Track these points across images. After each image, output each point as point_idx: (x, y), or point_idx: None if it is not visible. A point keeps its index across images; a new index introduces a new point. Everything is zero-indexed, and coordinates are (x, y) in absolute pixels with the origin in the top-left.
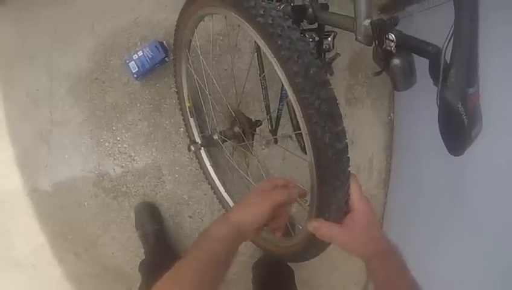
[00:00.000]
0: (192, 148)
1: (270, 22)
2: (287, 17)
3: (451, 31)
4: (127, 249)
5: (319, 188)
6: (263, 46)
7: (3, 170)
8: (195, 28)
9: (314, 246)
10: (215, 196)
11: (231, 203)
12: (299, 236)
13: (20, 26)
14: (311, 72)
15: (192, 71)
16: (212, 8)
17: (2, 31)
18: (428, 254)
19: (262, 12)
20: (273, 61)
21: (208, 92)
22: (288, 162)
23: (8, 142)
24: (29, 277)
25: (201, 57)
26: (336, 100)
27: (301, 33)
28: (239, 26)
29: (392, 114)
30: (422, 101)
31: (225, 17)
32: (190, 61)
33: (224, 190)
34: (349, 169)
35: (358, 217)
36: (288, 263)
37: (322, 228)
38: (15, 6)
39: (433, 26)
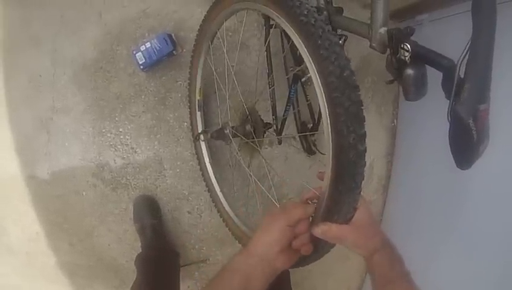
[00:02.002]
0: (202, 137)
1: (313, 22)
2: (327, 21)
3: (468, 46)
4: (124, 242)
5: (333, 189)
6: (300, 44)
7: (1, 155)
8: (225, 21)
9: (318, 251)
10: (209, 194)
11: (224, 203)
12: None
13: (26, 10)
14: (345, 74)
15: (212, 64)
16: (249, 3)
17: (7, 14)
18: (427, 261)
19: (305, 13)
20: (308, 60)
21: (225, 87)
22: (290, 163)
23: (7, 127)
24: (22, 263)
25: (225, 50)
26: (363, 105)
27: None
28: (274, 26)
29: (395, 121)
30: (427, 111)
31: (258, 14)
32: (211, 54)
33: (219, 189)
34: (364, 173)
35: (362, 214)
36: None
37: (331, 230)
38: None
39: (442, 37)
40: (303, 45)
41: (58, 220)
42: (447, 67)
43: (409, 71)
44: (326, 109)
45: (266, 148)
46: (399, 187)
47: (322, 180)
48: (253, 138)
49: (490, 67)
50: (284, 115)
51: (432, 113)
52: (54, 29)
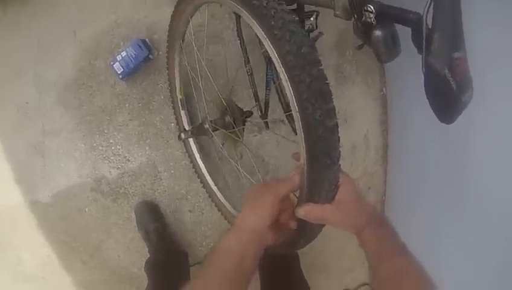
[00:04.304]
0: (183, 136)
1: (265, 4)
2: (280, 1)
3: None
4: (132, 250)
5: (309, 168)
6: (256, 28)
7: (2, 186)
8: (191, 18)
9: (306, 233)
10: (204, 189)
11: (220, 197)
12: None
13: (4, 41)
14: (303, 50)
15: (186, 62)
16: None
17: None
18: (434, 228)
19: None
20: (266, 42)
21: (200, 82)
22: (283, 148)
23: (3, 158)
24: (39, 288)
25: (195, 47)
26: (327, 79)
27: None
28: (231, 14)
29: (384, 89)
30: (414, 71)
31: (220, 6)
32: (184, 52)
33: (213, 184)
34: (340, 149)
35: (345, 192)
36: None
37: (313, 210)
38: None
39: None
40: (259, 28)
41: (66, 240)
42: (414, 21)
43: (377, 33)
44: (290, 88)
45: (256, 135)
46: (398, 155)
47: (298, 161)
48: (234, 128)
49: (458, 12)
50: (265, 99)
51: (419, 73)
52: (33, 56)
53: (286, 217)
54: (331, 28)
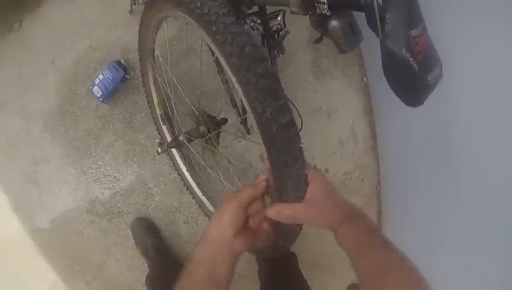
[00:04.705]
0: (159, 149)
1: (206, 11)
2: (223, 6)
3: None
4: (133, 267)
5: (272, 168)
6: (204, 36)
7: (1, 217)
8: (155, 35)
9: (284, 234)
10: (194, 200)
11: (209, 207)
12: (268, 227)
13: None
14: (246, 50)
15: (158, 78)
16: (162, 11)
17: None
18: (432, 213)
19: (199, 5)
20: (213, 47)
21: (172, 96)
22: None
23: (0, 191)
24: None
25: (162, 62)
26: (275, 75)
27: (241, 19)
28: (186, 25)
29: (365, 78)
30: None
31: (175, 19)
32: (155, 69)
33: (201, 194)
34: (300, 145)
35: (315, 189)
36: (291, 249)
37: (283, 210)
38: None
39: None
40: (205, 35)
41: (69, 263)
42: (366, 5)
43: (333, 23)
44: (240, 90)
45: (240, 141)
46: (388, 143)
47: (264, 162)
48: (208, 136)
49: None
50: (242, 104)
51: None
52: (17, 88)
53: (256, 221)
54: (301, 25)
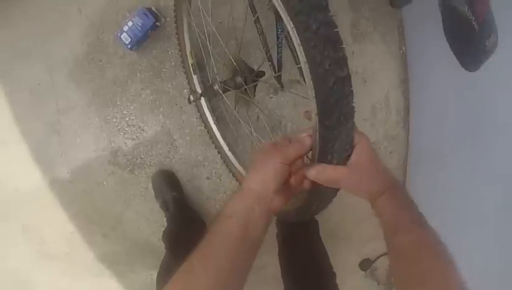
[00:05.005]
0: (192, 98)
1: None
2: None
3: None
4: (152, 221)
5: (320, 125)
6: None
7: (22, 168)
8: None
9: (319, 198)
10: (219, 155)
11: (235, 163)
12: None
13: (11, 25)
14: None
15: (194, 25)
16: None
17: None
18: (458, 194)
19: None
20: None
21: (209, 45)
22: (300, 109)
23: (21, 141)
24: (65, 264)
25: (201, 8)
26: (336, 26)
27: None
28: None
29: (403, 47)
30: (434, 24)
31: None
32: (191, 15)
33: (228, 149)
34: (353, 104)
35: (360, 153)
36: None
37: (326, 171)
38: (2, 11)
39: None
40: None
41: (87, 215)
42: None
43: None
44: (296, 36)
45: (272, 97)
46: (420, 117)
47: (310, 119)
48: (245, 87)
49: None
50: (278, 58)
51: (439, 25)
52: (41, 37)
53: (298, 180)
54: None
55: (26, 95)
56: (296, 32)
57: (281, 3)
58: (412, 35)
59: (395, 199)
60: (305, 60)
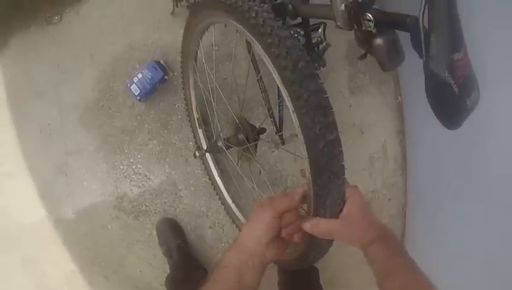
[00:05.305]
0: (197, 153)
1: (261, 22)
2: (278, 18)
3: None
4: (154, 266)
5: (313, 183)
6: (257, 46)
7: (28, 204)
8: (200, 39)
9: (315, 248)
10: (223, 206)
11: (238, 215)
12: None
13: (26, 65)
14: (300, 66)
15: (199, 82)
16: (212, 17)
17: (9, 71)
18: (458, 241)
19: (254, 15)
20: (266, 59)
21: (213, 101)
22: (300, 163)
23: (28, 176)
24: None
25: (206, 66)
26: (325, 93)
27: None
28: (237, 31)
29: (399, 96)
30: None
31: (225, 25)
32: (197, 72)
33: (231, 201)
34: (343, 163)
35: (352, 206)
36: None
37: (319, 225)
38: (18, 47)
39: None
40: (258, 46)
41: (90, 256)
42: (411, 25)
43: (378, 41)
44: (290, 104)
45: (273, 151)
46: (417, 164)
47: (305, 176)
48: (247, 145)
49: (455, 11)
50: (279, 115)
51: None
52: (54, 80)
53: (289, 233)
54: (340, 39)
55: (36, 132)
56: (290, 100)
57: (276, 73)
58: (407, 84)
59: (385, 246)
60: (298, 124)
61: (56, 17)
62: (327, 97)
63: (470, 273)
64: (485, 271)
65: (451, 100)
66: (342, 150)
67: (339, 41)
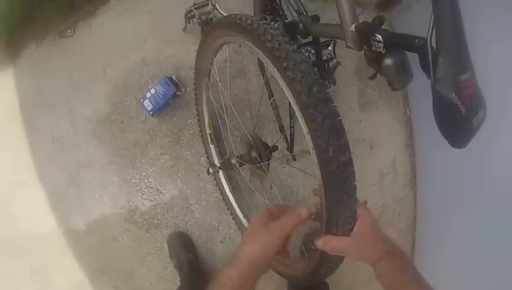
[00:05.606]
0: (211, 170)
1: (277, 46)
2: (292, 42)
3: (432, 18)
4: (164, 279)
5: (326, 202)
6: (271, 68)
7: (39, 214)
8: (214, 57)
9: (326, 264)
10: (234, 221)
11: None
12: (312, 256)
13: (38, 78)
14: (314, 90)
15: (212, 98)
16: (228, 37)
17: (22, 83)
18: (470, 249)
19: (269, 38)
20: (281, 82)
21: (226, 118)
22: (311, 178)
23: (40, 187)
24: None
25: (219, 84)
26: (339, 116)
27: (298, 48)
28: (251, 53)
29: (408, 111)
30: None
31: (239, 46)
32: (210, 89)
33: (243, 216)
34: (355, 183)
35: (362, 224)
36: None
37: (331, 242)
38: (31, 59)
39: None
40: (274, 69)
41: (99, 266)
42: (419, 47)
43: (387, 61)
44: (304, 126)
45: (284, 167)
46: (427, 178)
47: (317, 195)
48: (260, 163)
49: (462, 33)
50: (290, 132)
51: None
52: (66, 92)
53: (285, 249)
54: (350, 56)
55: (49, 144)
56: (305, 122)
57: (291, 95)
58: (416, 99)
59: (394, 262)
60: (312, 146)
61: (69, 31)
62: (340, 120)
63: (479, 289)
64: (494, 287)
65: (458, 121)
66: (354, 171)
67: (348, 57)
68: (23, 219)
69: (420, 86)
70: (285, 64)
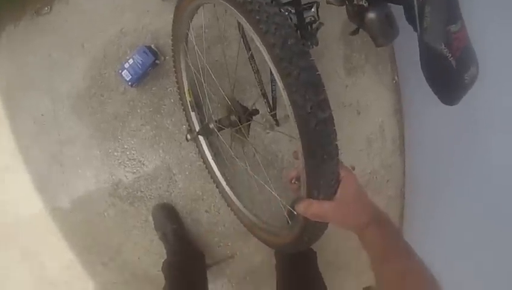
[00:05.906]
0: (189, 136)
1: (250, 0)
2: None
3: None
4: (151, 252)
5: (306, 163)
6: (245, 24)
7: (24, 196)
8: (190, 21)
9: (309, 231)
10: (217, 189)
11: (232, 197)
12: (295, 223)
13: (17, 58)
14: (289, 42)
15: (190, 64)
16: None
17: (1, 65)
18: (456, 222)
19: None
20: (254, 37)
21: (204, 83)
22: (296, 142)
23: (24, 170)
24: None
25: (196, 48)
26: (317, 70)
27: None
28: (226, 11)
29: (396, 76)
30: None
31: (214, 6)
32: (188, 55)
33: (225, 183)
34: (336, 142)
35: (346, 188)
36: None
37: (312, 206)
38: (9, 39)
39: None
40: (247, 24)
41: (87, 244)
42: None
43: (370, 15)
44: (280, 82)
45: (268, 132)
46: (416, 144)
47: (297, 159)
48: (239, 126)
49: None
50: (272, 95)
51: None
52: (46, 70)
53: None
54: (335, 19)
55: (30, 124)
56: (280, 77)
57: (265, 50)
58: (404, 64)
59: (381, 230)
60: (289, 103)
61: (46, 8)
62: (319, 74)
63: (466, 258)
64: (482, 256)
65: (448, 74)
66: (335, 129)
67: (333, 21)
68: (11, 204)
69: (408, 50)
70: (257, 17)
